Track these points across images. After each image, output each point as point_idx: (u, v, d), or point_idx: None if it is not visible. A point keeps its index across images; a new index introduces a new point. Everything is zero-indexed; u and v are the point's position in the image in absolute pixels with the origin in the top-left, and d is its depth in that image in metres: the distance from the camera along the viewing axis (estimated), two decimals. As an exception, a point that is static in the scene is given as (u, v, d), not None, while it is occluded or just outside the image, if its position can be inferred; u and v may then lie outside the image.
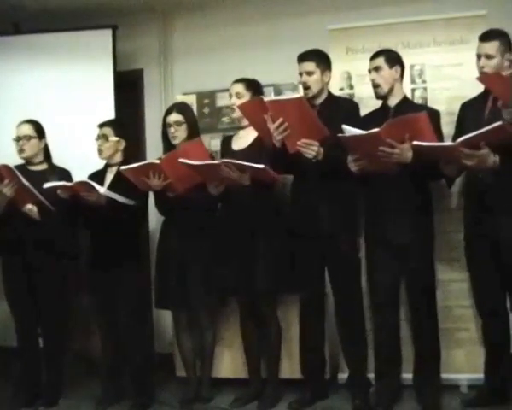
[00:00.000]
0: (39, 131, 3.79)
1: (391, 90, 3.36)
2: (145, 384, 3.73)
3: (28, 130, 3.75)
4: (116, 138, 3.69)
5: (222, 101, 4.38)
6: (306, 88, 3.43)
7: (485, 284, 3.28)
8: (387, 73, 3.34)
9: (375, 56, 3.38)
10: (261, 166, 3.18)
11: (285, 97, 3.42)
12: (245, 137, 3.59)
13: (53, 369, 3.77)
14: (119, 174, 3.59)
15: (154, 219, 4.18)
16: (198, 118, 3.97)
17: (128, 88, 4.67)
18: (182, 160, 3.29)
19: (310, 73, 3.42)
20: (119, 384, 3.80)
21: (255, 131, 3.42)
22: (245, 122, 3.52)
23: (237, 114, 3.54)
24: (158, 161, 3.40)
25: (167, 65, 4.77)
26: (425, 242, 3.36)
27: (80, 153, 4.12)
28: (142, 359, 3.69)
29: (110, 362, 3.78)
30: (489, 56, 3.14)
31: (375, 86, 3.37)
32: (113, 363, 3.78)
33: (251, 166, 3.22)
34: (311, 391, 3.59)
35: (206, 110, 4.48)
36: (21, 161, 3.78)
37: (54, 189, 3.52)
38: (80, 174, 3.69)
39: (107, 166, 3.76)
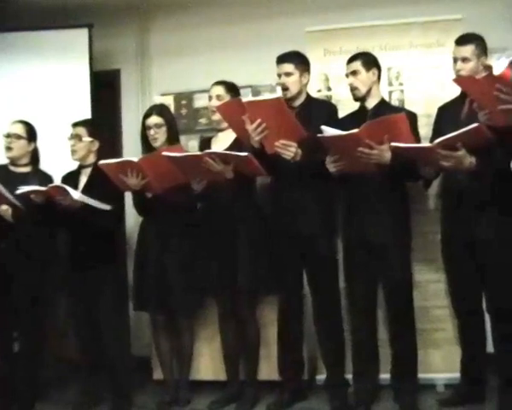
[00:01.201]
0: (31, 133, 3.77)
1: (368, 92, 3.38)
2: (122, 388, 3.69)
3: (19, 129, 3.73)
4: (89, 139, 3.65)
5: (199, 102, 4.38)
6: (285, 89, 3.44)
7: (461, 284, 3.33)
8: (365, 77, 3.36)
9: (351, 60, 3.40)
10: (245, 153, 3.17)
11: (263, 98, 3.42)
12: (224, 140, 3.58)
13: (29, 373, 3.71)
14: (93, 176, 3.57)
15: (132, 220, 4.14)
16: (175, 119, 3.93)
17: (105, 88, 4.63)
18: (165, 153, 3.28)
19: (288, 75, 3.43)
20: (96, 388, 3.75)
21: (233, 132, 3.41)
22: (224, 124, 3.52)
23: (217, 116, 3.52)
24: (136, 159, 3.38)
25: (144, 65, 4.74)
26: (402, 243, 3.38)
27: (55, 153, 4.05)
28: (119, 362, 3.65)
29: (87, 365, 3.74)
30: (465, 59, 3.18)
31: (353, 89, 3.38)
32: (90, 366, 3.73)
33: (235, 155, 3.21)
34: (289, 393, 3.59)
35: (183, 111, 4.47)
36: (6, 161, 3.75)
37: (28, 193, 3.47)
38: (54, 174, 3.68)
39: (80, 167, 3.71)
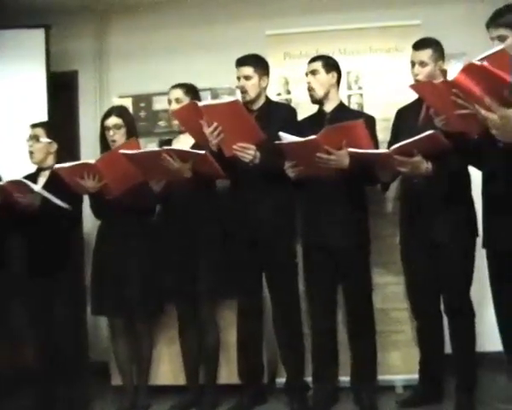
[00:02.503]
0: None
1: (326, 95, 3.40)
2: (80, 394, 3.64)
3: None
4: (48, 140, 3.60)
5: (158, 104, 4.34)
6: (244, 92, 3.44)
7: (419, 286, 3.36)
8: (324, 78, 3.38)
9: (313, 60, 3.43)
10: (202, 151, 3.15)
11: (220, 101, 3.40)
12: (184, 142, 3.54)
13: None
14: (51, 178, 3.52)
15: (89, 222, 4.08)
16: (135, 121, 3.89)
17: (62, 90, 4.55)
18: (123, 150, 3.24)
19: (247, 78, 3.43)
20: (52, 395, 3.68)
21: (191, 137, 3.40)
22: (185, 127, 3.49)
23: None
24: (93, 161, 3.33)
25: (102, 67, 4.68)
26: (361, 246, 3.41)
27: (11, 156, 4.00)
28: (76, 368, 3.60)
29: (43, 372, 3.66)
30: (422, 64, 3.22)
31: (310, 89, 3.40)
32: (46, 373, 3.66)
33: (193, 153, 3.19)
34: (249, 396, 3.58)
35: (142, 114, 4.42)
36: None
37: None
38: (11, 177, 3.56)
39: (39, 170, 3.66)
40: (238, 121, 3.11)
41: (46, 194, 3.39)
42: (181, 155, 3.23)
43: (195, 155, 3.19)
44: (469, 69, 2.26)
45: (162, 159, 3.23)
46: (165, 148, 3.29)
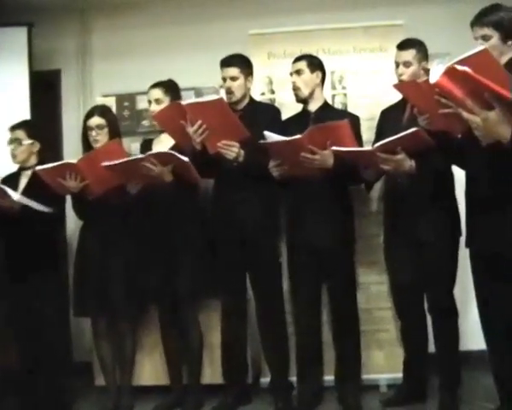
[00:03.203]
0: None
1: (311, 94, 3.40)
2: (63, 396, 3.61)
3: None
4: (30, 141, 3.56)
5: (142, 104, 4.29)
6: (230, 93, 3.43)
7: (403, 286, 3.36)
8: (308, 77, 3.38)
9: (297, 60, 3.43)
10: (186, 159, 3.15)
11: (204, 99, 3.40)
12: (166, 141, 3.53)
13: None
14: (33, 178, 3.48)
15: (72, 223, 4.05)
16: (118, 120, 3.86)
17: (44, 89, 4.52)
18: (105, 163, 3.23)
19: (234, 79, 3.42)
20: (36, 397, 3.64)
21: (172, 139, 3.39)
22: (168, 126, 3.47)
23: None
24: (74, 161, 3.32)
25: (86, 66, 4.66)
26: (346, 245, 3.41)
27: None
28: (59, 369, 3.57)
29: (27, 373, 3.62)
30: (406, 64, 3.23)
31: (295, 89, 3.40)
32: (30, 374, 3.62)
33: (177, 157, 3.17)
34: (233, 396, 3.57)
35: (125, 113, 4.38)
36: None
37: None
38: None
39: (21, 169, 3.62)
40: (222, 119, 3.11)
41: (25, 201, 3.36)
42: (165, 157, 3.22)
43: (179, 160, 3.17)
44: (451, 72, 2.25)
45: (143, 166, 3.22)
46: (149, 153, 3.27)
